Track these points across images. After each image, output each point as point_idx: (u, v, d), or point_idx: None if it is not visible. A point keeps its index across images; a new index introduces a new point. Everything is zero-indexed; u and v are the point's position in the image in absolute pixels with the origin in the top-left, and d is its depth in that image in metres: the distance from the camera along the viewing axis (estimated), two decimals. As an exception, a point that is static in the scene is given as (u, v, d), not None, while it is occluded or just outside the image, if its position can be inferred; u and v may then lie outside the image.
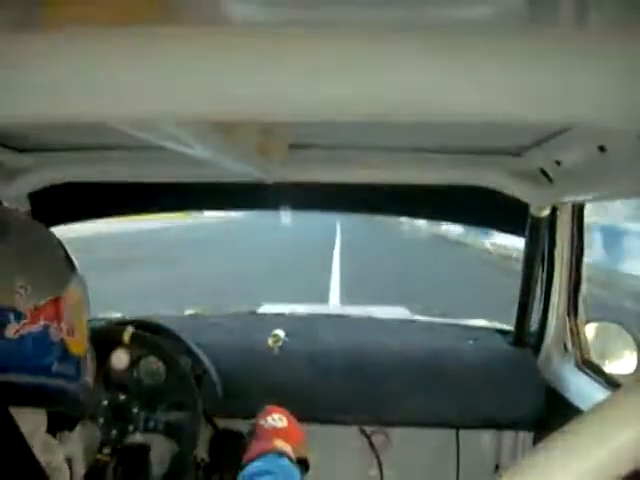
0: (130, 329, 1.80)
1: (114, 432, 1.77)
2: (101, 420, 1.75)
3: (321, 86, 0.55)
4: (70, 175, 1.90)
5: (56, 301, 0.87)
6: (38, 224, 0.94)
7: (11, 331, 0.82)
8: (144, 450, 1.77)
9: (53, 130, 1.62)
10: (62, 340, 0.88)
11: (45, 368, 0.86)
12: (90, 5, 0.64)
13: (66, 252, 0.93)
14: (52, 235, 0.93)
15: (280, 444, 1.38)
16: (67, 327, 0.88)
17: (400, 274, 13.72)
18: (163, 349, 1.84)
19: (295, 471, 1.33)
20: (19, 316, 0.82)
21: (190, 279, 12.05)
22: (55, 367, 0.87)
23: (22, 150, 1.85)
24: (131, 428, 1.76)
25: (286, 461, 1.34)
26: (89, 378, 0.95)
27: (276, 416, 1.47)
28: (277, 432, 1.42)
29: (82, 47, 0.57)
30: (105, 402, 1.76)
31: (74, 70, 0.56)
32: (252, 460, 1.31)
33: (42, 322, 0.84)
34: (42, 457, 0.85)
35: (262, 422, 1.44)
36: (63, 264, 0.91)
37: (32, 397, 0.86)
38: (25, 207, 1.96)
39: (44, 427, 0.90)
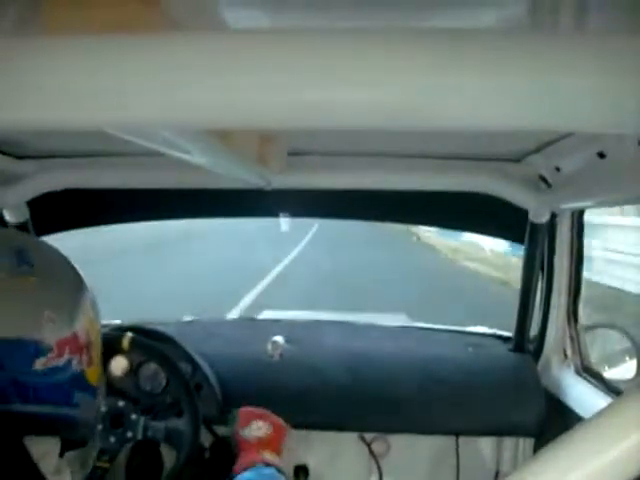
0: (129, 335, 1.80)
1: (113, 439, 1.76)
2: (99, 427, 1.74)
3: (321, 93, 0.55)
4: (69, 182, 1.89)
5: (78, 332, 0.87)
6: (55, 250, 0.94)
7: (38, 365, 0.83)
8: (154, 445, 1.78)
9: (52, 137, 1.62)
10: (82, 371, 0.89)
11: (66, 399, 0.87)
12: (91, 11, 0.64)
13: (80, 276, 0.93)
14: (66, 259, 0.93)
15: (266, 455, 1.39)
16: (87, 358, 0.90)
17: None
18: (163, 356, 1.84)
19: (282, 478, 1.34)
20: (46, 349, 0.83)
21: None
22: (75, 398, 0.89)
23: (21, 157, 1.85)
24: (130, 435, 1.76)
25: (273, 470, 1.34)
26: (101, 405, 0.97)
27: (255, 425, 1.46)
28: (261, 443, 1.43)
29: (81, 54, 0.56)
30: (104, 409, 1.76)
31: (73, 77, 0.56)
32: (240, 472, 1.32)
33: (67, 356, 0.86)
34: (57, 476, 0.87)
35: (243, 433, 1.44)
36: (81, 290, 0.91)
37: (51, 426, 0.87)
38: (24, 214, 1.96)
39: (57, 451, 0.92)
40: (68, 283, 0.90)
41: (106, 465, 1.70)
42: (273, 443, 1.45)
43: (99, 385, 0.94)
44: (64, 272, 0.91)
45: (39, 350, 0.82)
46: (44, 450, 0.87)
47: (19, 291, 0.83)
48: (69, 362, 0.86)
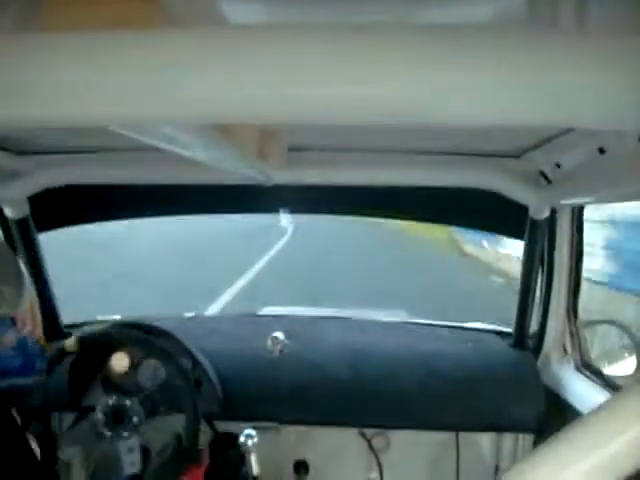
0: (75, 337, 1.77)
1: (114, 435, 1.76)
2: (101, 422, 1.75)
3: (319, 88, 0.55)
4: (69, 178, 1.90)
5: (29, 306, 0.92)
6: None
7: (8, 340, 0.86)
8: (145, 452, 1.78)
9: (52, 133, 1.62)
10: (38, 340, 0.94)
11: (32, 368, 0.92)
12: (91, 8, 0.64)
13: (16, 258, 0.98)
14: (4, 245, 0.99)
15: None
16: (37, 330, 0.95)
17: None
18: (163, 352, 1.84)
19: None
20: (10, 324, 0.87)
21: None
22: (38, 365, 0.94)
23: (21, 153, 1.85)
24: (130, 430, 1.76)
25: None
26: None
27: None
28: None
29: (81, 50, 0.57)
30: (104, 405, 1.76)
31: (73, 73, 0.56)
32: None
33: (28, 327, 0.90)
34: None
35: None
36: (21, 270, 0.95)
37: (29, 395, 0.90)
38: (24, 210, 1.96)
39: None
40: (9, 263, 0.94)
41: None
42: None
43: (44, 348, 0.99)
44: (7, 256, 0.95)
45: (6, 325, 0.86)
46: None
47: None
48: (30, 332, 0.91)
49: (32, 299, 0.97)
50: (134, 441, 1.76)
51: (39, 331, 0.97)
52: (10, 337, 0.86)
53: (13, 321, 0.87)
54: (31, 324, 0.91)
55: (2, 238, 1.02)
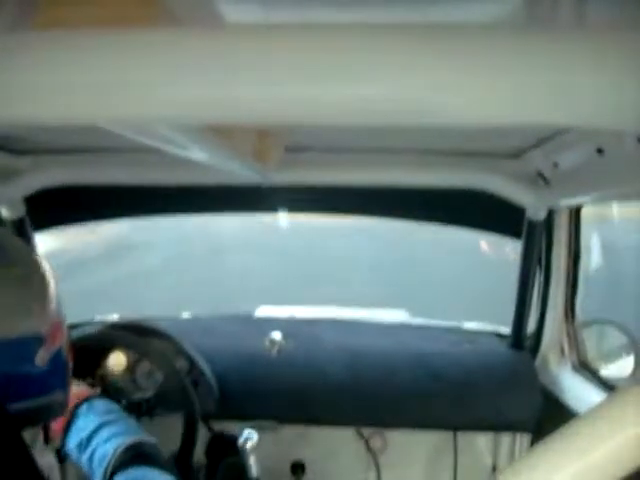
0: None
1: None
2: None
3: (318, 89, 0.55)
4: (66, 178, 1.89)
5: (60, 314, 0.88)
6: (23, 244, 0.94)
7: (39, 358, 0.82)
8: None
9: (49, 132, 1.62)
10: (67, 352, 0.90)
11: (62, 382, 0.88)
12: (87, 7, 0.63)
13: (46, 264, 0.93)
14: (30, 248, 0.94)
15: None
16: (66, 338, 0.90)
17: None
18: (160, 352, 1.84)
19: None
20: (43, 340, 0.82)
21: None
22: (67, 378, 0.90)
23: (18, 152, 1.85)
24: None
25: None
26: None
27: None
28: None
29: (78, 49, 0.56)
30: None
31: (70, 72, 0.56)
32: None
33: (58, 341, 0.86)
34: (44, 459, 0.88)
35: None
36: (52, 276, 0.91)
37: (49, 413, 0.88)
38: (20, 210, 1.96)
39: (41, 433, 0.92)
40: (44, 272, 0.90)
41: None
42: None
43: (70, 360, 0.94)
44: (37, 262, 0.91)
45: (37, 344, 0.82)
46: (34, 433, 0.87)
47: (4, 286, 0.82)
48: (61, 346, 0.86)
49: (59, 307, 0.91)
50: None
51: (67, 343, 0.92)
52: (42, 355, 0.82)
53: (42, 337, 0.83)
54: (61, 336, 0.87)
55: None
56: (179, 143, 0.98)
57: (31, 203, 1.96)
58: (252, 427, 1.86)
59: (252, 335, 2.15)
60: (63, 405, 0.90)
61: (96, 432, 1.20)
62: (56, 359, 0.85)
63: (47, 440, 1.49)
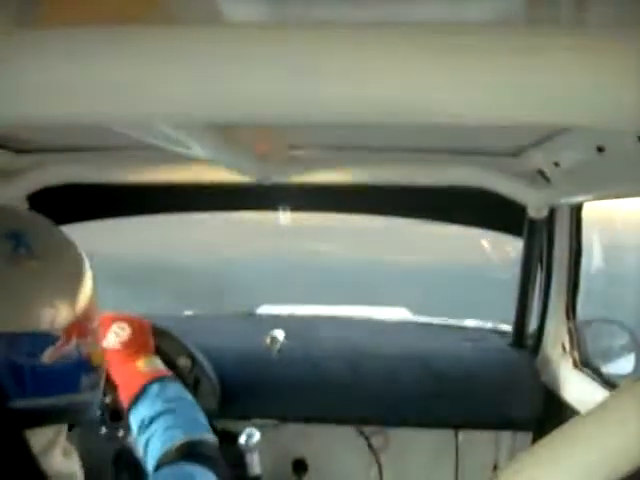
0: None
1: (112, 435, 1.76)
2: (100, 424, 1.75)
3: (320, 87, 0.55)
4: (68, 176, 1.89)
5: (82, 314, 0.84)
6: (55, 227, 0.89)
7: (47, 356, 0.79)
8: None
9: (51, 131, 1.62)
10: (88, 354, 0.86)
11: (74, 385, 0.84)
12: (89, 4, 0.64)
13: (82, 256, 0.89)
14: (69, 238, 0.89)
15: (141, 364, 1.36)
16: (92, 340, 0.86)
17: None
18: (161, 351, 1.84)
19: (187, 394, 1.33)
20: (53, 339, 0.80)
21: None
22: (83, 382, 0.85)
23: (20, 151, 1.85)
24: (129, 430, 1.76)
25: (175, 385, 1.33)
26: (102, 382, 0.94)
27: (115, 329, 1.41)
28: (127, 347, 1.41)
29: (79, 47, 0.56)
30: (103, 405, 1.76)
31: (72, 71, 0.56)
32: (132, 403, 1.27)
33: (74, 341, 0.82)
34: (63, 464, 0.85)
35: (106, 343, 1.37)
36: (84, 271, 0.88)
37: (60, 416, 0.84)
38: (23, 209, 1.96)
39: (64, 434, 0.89)
40: (72, 266, 0.86)
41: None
42: (139, 342, 1.40)
43: (102, 365, 0.91)
44: (67, 254, 0.87)
45: (46, 342, 0.79)
46: (51, 437, 0.84)
47: (19, 280, 0.79)
48: (77, 347, 0.83)
49: (90, 307, 0.86)
50: (121, 443, 1.76)
51: (96, 346, 0.88)
52: (50, 353, 0.79)
53: (53, 335, 0.80)
54: (80, 336, 0.83)
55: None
56: (181, 141, 0.98)
57: (34, 202, 1.96)
58: (254, 425, 1.86)
59: (253, 334, 2.15)
60: (79, 410, 0.86)
61: (158, 417, 1.19)
62: (67, 359, 0.82)
63: (114, 417, 1.53)
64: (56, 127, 1.51)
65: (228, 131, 1.08)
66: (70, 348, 0.82)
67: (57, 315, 0.80)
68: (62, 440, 0.88)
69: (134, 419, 1.23)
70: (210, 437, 1.19)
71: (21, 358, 0.78)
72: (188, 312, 2.71)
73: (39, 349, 0.79)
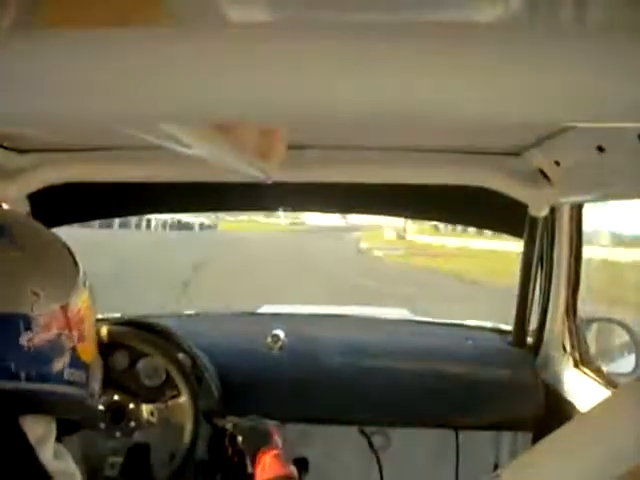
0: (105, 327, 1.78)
1: (115, 434, 1.77)
2: (101, 421, 1.75)
3: (321, 88, 0.55)
4: (69, 176, 1.89)
5: (66, 307, 0.86)
6: (43, 227, 0.93)
7: (25, 339, 0.81)
8: (146, 449, 1.78)
9: (52, 131, 1.62)
10: (73, 348, 0.87)
11: (56, 376, 0.85)
12: (89, 5, 0.64)
13: (72, 255, 0.92)
14: (58, 238, 0.92)
15: None
16: (78, 334, 0.88)
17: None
18: (163, 349, 1.84)
19: None
20: (32, 324, 0.81)
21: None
22: (66, 374, 0.86)
23: (21, 151, 1.85)
24: (132, 426, 1.77)
25: None
26: (96, 384, 0.94)
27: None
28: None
29: (81, 49, 0.57)
30: (104, 403, 1.76)
31: (73, 72, 0.56)
32: None
33: (55, 330, 0.84)
34: (55, 464, 0.85)
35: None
36: (71, 268, 0.90)
37: (42, 405, 0.85)
38: (24, 208, 1.96)
39: (54, 434, 0.89)
40: (56, 260, 0.89)
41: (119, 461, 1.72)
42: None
43: (92, 362, 0.92)
44: (51, 249, 0.90)
45: (23, 324, 0.81)
46: (41, 434, 0.85)
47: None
48: (58, 337, 0.84)
49: (79, 302, 0.88)
50: (123, 444, 1.76)
51: (83, 340, 0.89)
52: (29, 337, 0.81)
53: (30, 319, 0.82)
54: (61, 326, 0.84)
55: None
56: (182, 141, 0.98)
57: (35, 201, 1.96)
58: None
59: (255, 332, 2.15)
60: (64, 402, 0.87)
61: None
62: (48, 348, 0.83)
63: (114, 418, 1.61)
64: (58, 127, 1.52)
65: (228, 130, 1.08)
66: (50, 337, 0.83)
67: (36, 302, 0.82)
68: (52, 440, 0.88)
69: None
70: None
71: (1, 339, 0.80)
72: (189, 311, 2.72)
73: (15, 331, 0.80)
